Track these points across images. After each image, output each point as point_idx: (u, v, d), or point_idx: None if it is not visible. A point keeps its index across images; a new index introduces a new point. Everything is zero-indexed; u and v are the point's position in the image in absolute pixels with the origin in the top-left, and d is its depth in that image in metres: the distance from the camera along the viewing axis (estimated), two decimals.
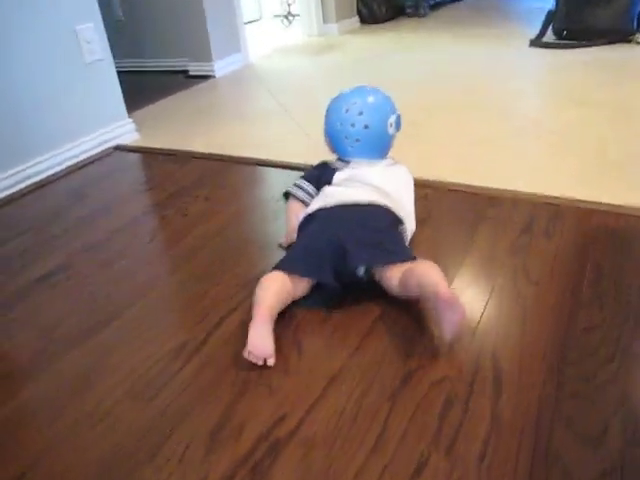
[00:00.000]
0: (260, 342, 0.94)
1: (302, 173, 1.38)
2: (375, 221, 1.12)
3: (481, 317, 1.05)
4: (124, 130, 2.22)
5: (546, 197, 1.44)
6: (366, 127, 1.23)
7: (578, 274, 1.14)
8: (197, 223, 1.51)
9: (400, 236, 1.17)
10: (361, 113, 1.22)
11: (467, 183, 1.55)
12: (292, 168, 1.73)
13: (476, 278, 1.18)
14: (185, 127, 2.30)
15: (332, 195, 1.18)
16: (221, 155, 1.94)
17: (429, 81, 2.60)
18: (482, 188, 1.51)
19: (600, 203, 1.38)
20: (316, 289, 1.09)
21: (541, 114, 2.09)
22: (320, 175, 1.27)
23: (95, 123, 2.12)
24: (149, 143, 2.17)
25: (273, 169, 1.80)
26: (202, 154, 1.97)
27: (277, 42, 3.92)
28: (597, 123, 1.90)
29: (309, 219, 1.17)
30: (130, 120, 2.25)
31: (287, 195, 1.33)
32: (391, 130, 1.26)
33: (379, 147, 1.28)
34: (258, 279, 1.06)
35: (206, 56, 3.10)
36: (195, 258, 1.35)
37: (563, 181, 1.52)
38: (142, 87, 3.10)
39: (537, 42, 3.05)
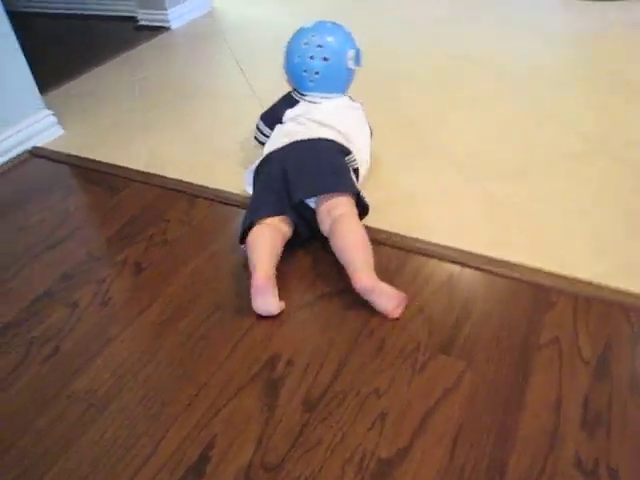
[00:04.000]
0: (263, 307, 0.98)
1: None
2: (320, 151, 1.13)
3: None
4: (41, 126, 1.68)
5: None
6: (325, 59, 1.23)
7: None
8: (120, 316, 1.05)
9: (344, 165, 1.14)
10: (320, 46, 1.23)
11: (506, 259, 1.09)
12: None
13: None
14: (125, 119, 1.77)
15: (283, 136, 1.19)
16: (166, 181, 1.43)
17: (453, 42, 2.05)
18: (528, 270, 1.06)
19: None
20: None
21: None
22: (278, 113, 1.28)
23: None
24: (76, 145, 1.65)
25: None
26: (142, 175, 1.46)
27: None
28: None
29: (263, 163, 1.17)
30: (49, 112, 1.70)
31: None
32: (351, 64, 1.26)
33: (338, 81, 1.28)
34: None
35: (157, 1, 2.47)
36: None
37: None
38: (78, 44, 2.50)
39: None
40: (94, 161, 1.55)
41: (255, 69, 2.00)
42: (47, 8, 3.01)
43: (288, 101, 1.28)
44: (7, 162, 1.61)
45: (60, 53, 2.43)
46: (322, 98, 1.25)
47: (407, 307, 0.99)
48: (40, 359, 1.00)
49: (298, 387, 0.89)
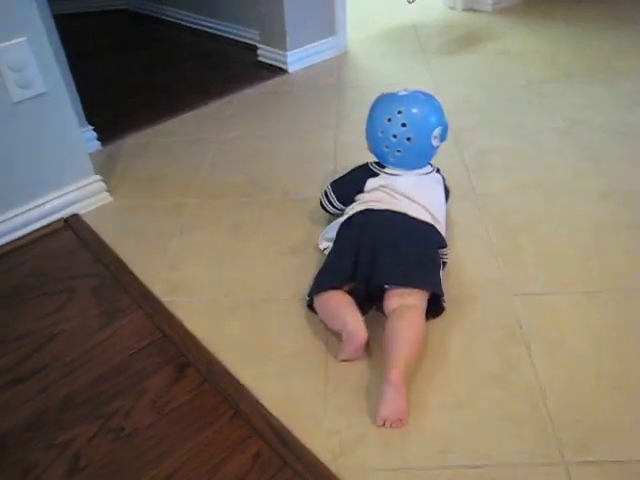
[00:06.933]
0: (356, 355, 0.99)
1: None
2: (421, 240, 1.10)
3: None
4: (87, 192, 1.49)
5: None
6: (409, 140, 1.17)
7: None
8: None
9: (437, 261, 1.11)
10: (404, 125, 1.16)
11: None
12: None
13: None
14: (173, 205, 1.52)
15: (375, 200, 1.15)
16: (168, 323, 1.16)
17: None
18: None
19: None
20: None
21: None
22: (352, 182, 1.23)
23: (33, 189, 1.41)
24: (111, 226, 1.44)
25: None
26: (151, 303, 1.20)
27: (399, 16, 2.81)
28: None
29: (355, 217, 1.14)
30: (97, 178, 1.50)
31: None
32: (435, 142, 1.20)
33: (420, 159, 1.23)
34: None
35: (278, 40, 2.19)
36: None
37: None
38: (187, 73, 2.32)
39: None
40: (115, 259, 1.32)
41: (355, 154, 1.61)
42: (180, 19, 2.89)
43: (367, 172, 1.22)
44: (40, 229, 1.44)
45: (164, 83, 2.27)
46: (399, 171, 1.20)
47: None
48: None
49: None
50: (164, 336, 1.12)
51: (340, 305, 1.01)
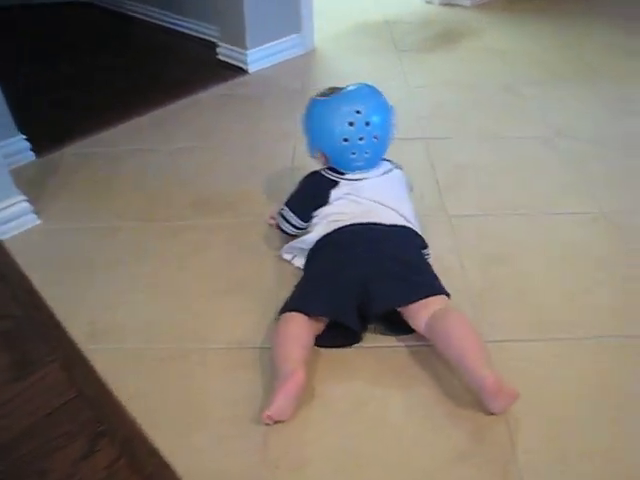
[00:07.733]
0: (281, 409, 0.85)
1: None
2: (404, 249, 1.04)
3: None
4: (8, 215, 1.31)
5: None
6: (375, 138, 1.09)
7: None
8: None
9: (427, 263, 1.06)
10: (368, 124, 1.07)
11: None
12: None
13: None
14: (111, 231, 1.34)
15: (343, 213, 1.06)
16: (85, 378, 0.99)
17: None
18: None
19: None
20: (331, 327, 0.97)
21: None
22: (314, 199, 1.11)
23: None
24: (35, 254, 1.27)
25: None
26: (69, 353, 1.03)
27: (372, 10, 2.63)
28: None
29: (320, 245, 1.06)
30: (21, 197, 1.32)
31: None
32: (394, 130, 1.13)
33: (383, 152, 1.15)
34: None
35: (237, 37, 2.01)
36: None
37: None
38: (143, 73, 2.13)
39: None
40: (34, 295, 1.16)
41: (316, 167, 1.42)
42: (143, 14, 2.69)
43: (326, 184, 1.11)
44: None
45: (118, 86, 2.07)
46: (364, 174, 1.11)
47: None
48: None
49: None
50: (80, 396, 0.96)
51: (293, 340, 0.92)
